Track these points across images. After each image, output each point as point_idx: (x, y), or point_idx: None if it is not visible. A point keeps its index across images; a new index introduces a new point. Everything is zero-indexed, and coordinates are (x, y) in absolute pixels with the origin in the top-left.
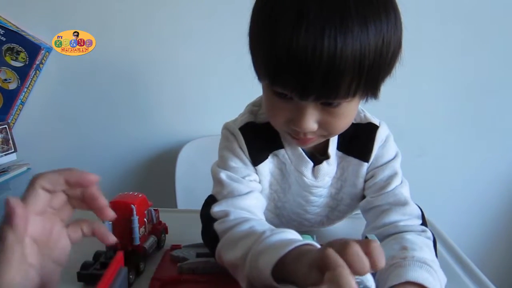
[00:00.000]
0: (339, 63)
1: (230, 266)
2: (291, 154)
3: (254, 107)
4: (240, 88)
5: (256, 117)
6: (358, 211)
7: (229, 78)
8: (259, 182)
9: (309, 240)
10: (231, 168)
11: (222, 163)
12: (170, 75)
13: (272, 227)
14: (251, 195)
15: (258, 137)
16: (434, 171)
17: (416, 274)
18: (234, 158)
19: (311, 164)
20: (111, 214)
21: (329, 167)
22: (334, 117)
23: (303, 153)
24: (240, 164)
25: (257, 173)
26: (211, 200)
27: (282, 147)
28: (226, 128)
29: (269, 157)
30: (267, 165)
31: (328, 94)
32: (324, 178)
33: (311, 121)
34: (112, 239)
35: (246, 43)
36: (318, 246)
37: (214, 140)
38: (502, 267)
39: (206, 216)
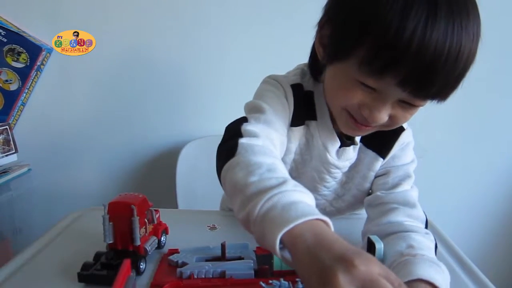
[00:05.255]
0: (460, 62)
1: (232, 187)
2: (321, 129)
3: (306, 68)
4: (240, 88)
5: (303, 80)
6: (357, 212)
7: (229, 78)
8: (286, 146)
9: (321, 215)
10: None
11: (265, 99)
12: (170, 75)
13: (287, 178)
14: (283, 139)
15: (302, 102)
16: (435, 172)
17: (428, 273)
18: (279, 105)
19: (338, 143)
20: None
21: (353, 153)
22: (408, 113)
23: (334, 132)
24: (282, 111)
25: (287, 136)
26: (243, 120)
27: (315, 119)
28: (275, 79)
29: (303, 124)
30: (299, 131)
31: (445, 94)
32: (345, 161)
33: (386, 114)
34: None
35: (246, 43)
36: (328, 221)
37: (214, 140)
38: (502, 267)
39: (233, 129)
